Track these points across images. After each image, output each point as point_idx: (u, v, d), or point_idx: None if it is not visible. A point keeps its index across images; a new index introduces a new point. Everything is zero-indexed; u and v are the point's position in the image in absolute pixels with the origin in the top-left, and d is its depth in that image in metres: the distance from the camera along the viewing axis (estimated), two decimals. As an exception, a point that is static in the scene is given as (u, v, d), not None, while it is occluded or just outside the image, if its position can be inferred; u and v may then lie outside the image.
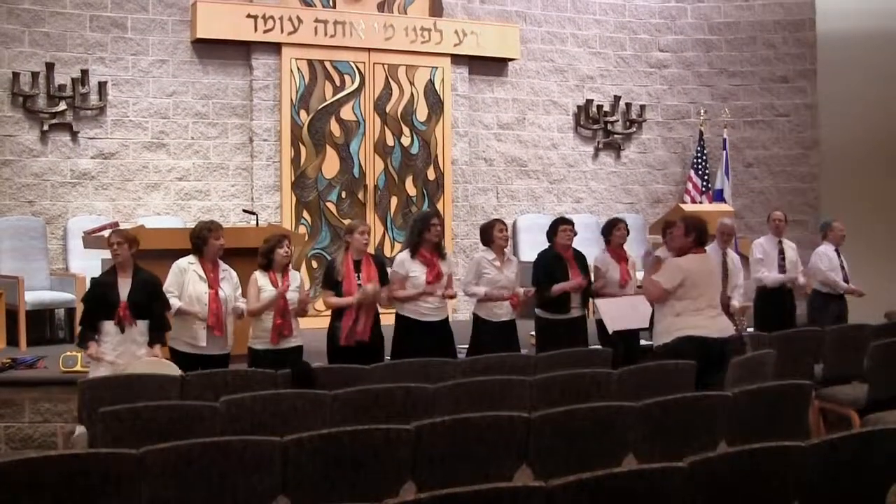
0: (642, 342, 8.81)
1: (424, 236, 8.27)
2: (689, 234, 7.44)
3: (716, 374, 6.84)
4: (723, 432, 5.60)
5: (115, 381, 6.56)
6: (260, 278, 7.73)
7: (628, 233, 9.25)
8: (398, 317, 8.37)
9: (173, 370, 6.99)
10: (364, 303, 7.91)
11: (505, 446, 5.07)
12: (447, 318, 8.48)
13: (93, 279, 7.80)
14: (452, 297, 8.56)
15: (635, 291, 8.84)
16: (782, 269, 10.04)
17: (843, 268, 10.17)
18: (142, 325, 7.29)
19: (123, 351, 7.18)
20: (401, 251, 8.71)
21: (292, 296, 7.75)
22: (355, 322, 7.92)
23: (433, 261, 8.27)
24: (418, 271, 8.22)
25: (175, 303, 7.50)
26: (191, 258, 7.68)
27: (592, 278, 9.07)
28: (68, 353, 8.50)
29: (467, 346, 8.61)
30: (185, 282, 7.56)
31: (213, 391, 6.21)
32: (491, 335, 8.45)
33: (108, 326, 7.22)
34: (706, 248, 7.80)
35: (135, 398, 5.84)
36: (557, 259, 8.79)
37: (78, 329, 7.57)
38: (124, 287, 7.28)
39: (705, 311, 7.27)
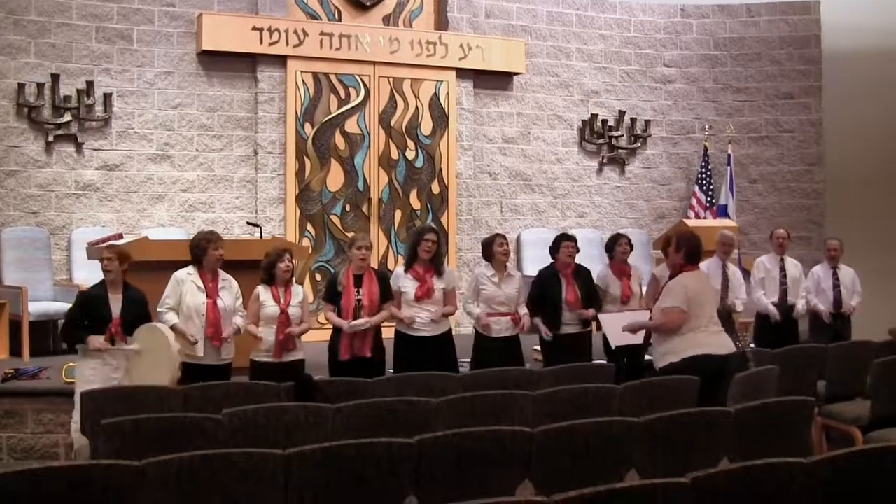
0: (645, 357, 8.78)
1: (417, 252, 8.28)
2: (679, 250, 7.37)
3: (717, 392, 6.83)
4: (725, 448, 5.59)
5: (116, 392, 6.56)
6: (262, 293, 7.72)
7: (631, 248, 9.22)
8: (396, 332, 8.38)
9: (167, 332, 7.07)
10: (354, 305, 7.94)
11: (507, 461, 5.06)
12: (449, 332, 8.45)
13: (81, 292, 7.76)
14: (450, 314, 8.53)
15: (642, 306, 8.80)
16: (784, 287, 10.04)
17: (835, 286, 10.15)
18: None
19: (118, 366, 7.18)
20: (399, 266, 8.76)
21: (295, 311, 7.75)
22: (353, 337, 7.93)
23: (425, 276, 8.26)
24: (409, 287, 8.24)
25: (171, 318, 7.48)
26: (190, 269, 7.67)
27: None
28: (71, 364, 8.48)
29: (469, 361, 8.61)
30: (183, 292, 7.55)
31: (215, 403, 6.21)
32: (492, 350, 8.42)
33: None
34: (702, 263, 7.75)
35: (136, 410, 5.84)
36: (554, 277, 8.77)
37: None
38: (116, 303, 7.28)
39: (708, 327, 7.23)
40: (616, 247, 9.10)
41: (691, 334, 7.18)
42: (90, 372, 7.19)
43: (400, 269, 8.48)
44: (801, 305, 10.09)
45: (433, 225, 11.81)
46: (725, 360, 7.18)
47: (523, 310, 8.61)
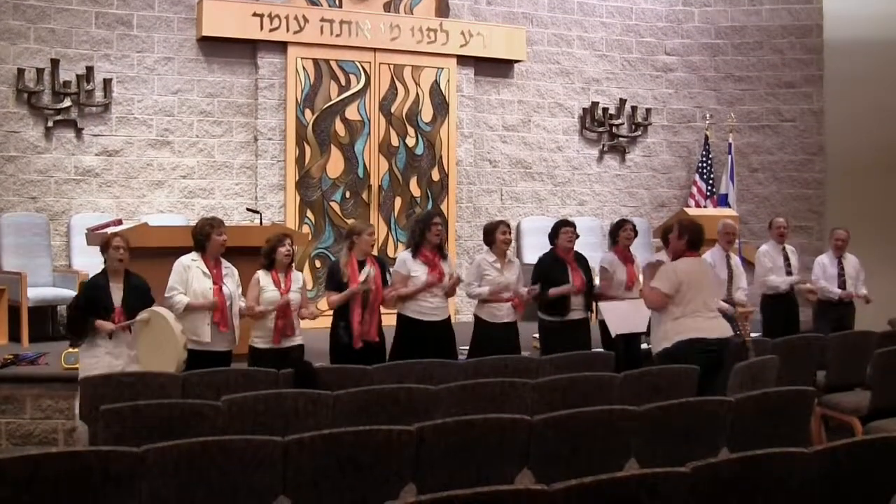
0: (643, 346, 8.78)
1: (426, 236, 8.26)
2: (681, 238, 7.40)
3: (715, 377, 6.83)
4: (725, 438, 5.59)
5: (116, 378, 6.55)
6: (262, 278, 7.70)
7: (636, 234, 9.21)
8: (399, 317, 8.35)
9: (168, 315, 7.04)
10: (362, 292, 7.91)
11: (507, 449, 5.06)
12: (449, 319, 8.47)
13: (84, 282, 7.74)
14: (452, 293, 8.53)
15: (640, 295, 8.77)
16: (790, 274, 10.07)
17: (840, 275, 10.16)
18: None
19: (118, 353, 7.16)
20: (402, 251, 8.72)
21: (295, 296, 7.73)
22: (361, 323, 7.92)
23: (435, 261, 8.26)
24: (420, 271, 8.22)
25: (183, 299, 7.42)
26: (193, 255, 7.63)
27: (598, 280, 9.08)
28: (70, 350, 8.49)
29: (468, 348, 8.60)
30: (189, 279, 7.51)
31: (215, 390, 6.21)
32: (492, 337, 8.41)
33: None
34: (703, 251, 7.76)
35: (136, 396, 5.84)
36: (557, 261, 8.75)
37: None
38: (117, 292, 7.22)
39: (702, 313, 7.22)
40: (620, 232, 9.07)
41: (684, 319, 7.19)
42: (91, 361, 7.15)
43: (405, 253, 8.44)
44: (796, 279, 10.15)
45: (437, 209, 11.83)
46: (720, 345, 7.18)
47: (523, 290, 8.59)
